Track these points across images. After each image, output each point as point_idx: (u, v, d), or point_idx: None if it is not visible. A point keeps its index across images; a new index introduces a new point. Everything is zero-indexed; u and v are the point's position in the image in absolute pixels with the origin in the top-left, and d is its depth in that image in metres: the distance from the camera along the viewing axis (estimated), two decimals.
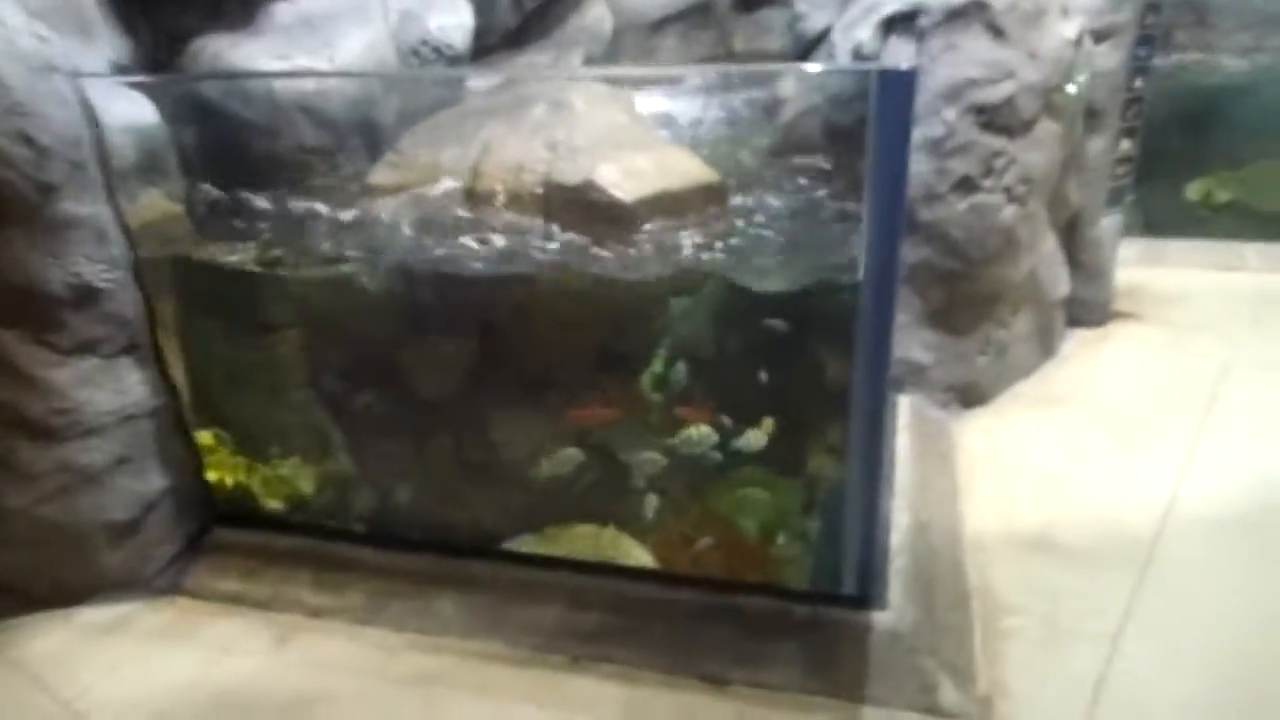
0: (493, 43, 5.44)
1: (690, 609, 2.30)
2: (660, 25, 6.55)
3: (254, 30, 3.63)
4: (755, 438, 2.56)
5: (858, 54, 3.16)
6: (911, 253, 3.17)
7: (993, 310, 3.29)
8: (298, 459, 2.88)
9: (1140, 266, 4.76)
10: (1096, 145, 3.79)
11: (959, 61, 2.99)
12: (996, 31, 2.98)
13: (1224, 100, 6.23)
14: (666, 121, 3.22)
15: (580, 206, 2.65)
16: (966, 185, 3.07)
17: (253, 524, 2.72)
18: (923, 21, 3.00)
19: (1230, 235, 5.30)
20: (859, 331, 2.02)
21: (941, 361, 3.30)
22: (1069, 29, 3.16)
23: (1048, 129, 3.15)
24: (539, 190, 2.72)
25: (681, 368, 2.62)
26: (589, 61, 5.78)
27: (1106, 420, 3.27)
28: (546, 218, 2.66)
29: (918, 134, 3.05)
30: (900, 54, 3.01)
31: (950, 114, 3.02)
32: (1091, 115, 3.73)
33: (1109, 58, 3.64)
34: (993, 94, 3.00)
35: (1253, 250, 4.89)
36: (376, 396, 2.84)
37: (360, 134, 3.62)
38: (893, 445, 2.92)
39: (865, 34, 3.10)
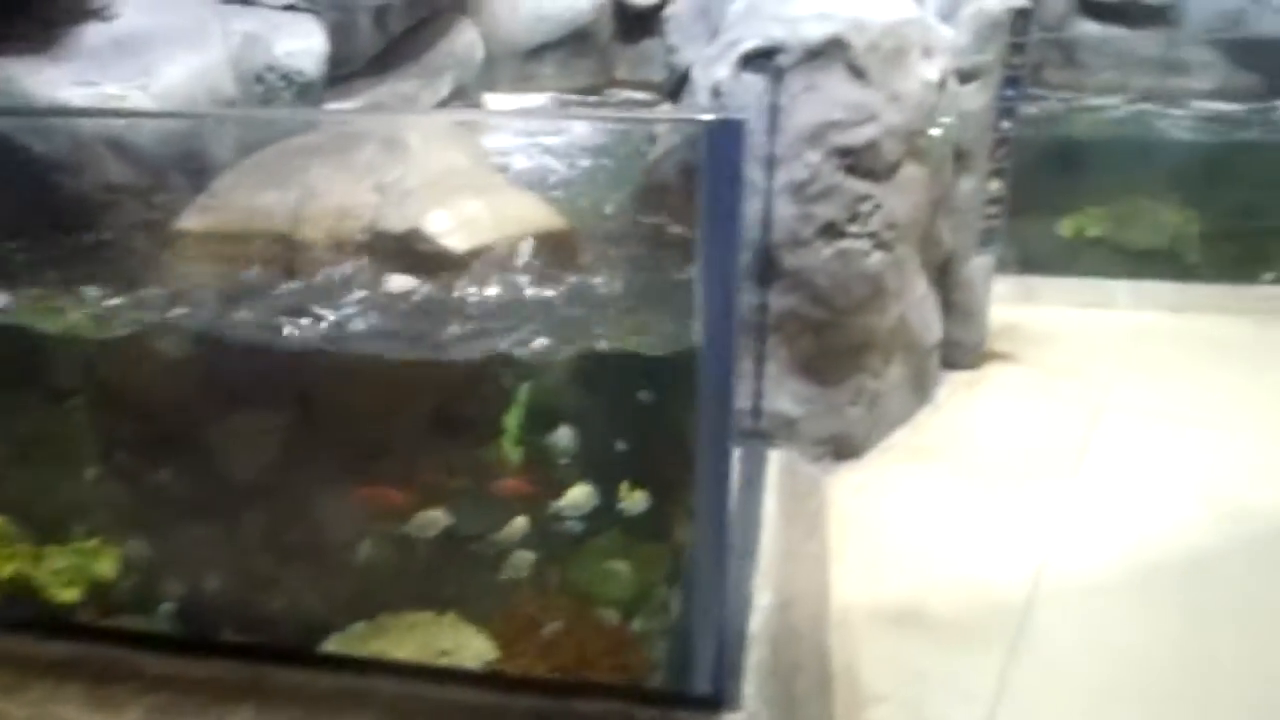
0: (354, 69, 5.13)
1: (523, 717, 2.04)
2: (538, 52, 6.34)
3: (56, 53, 3.24)
4: (633, 501, 2.35)
5: (716, 92, 2.99)
6: (777, 301, 3.01)
7: (863, 359, 3.15)
8: (86, 545, 2.51)
9: (1014, 304, 4.75)
10: (966, 186, 3.73)
11: (820, 102, 2.85)
12: (857, 72, 2.85)
13: (1094, 138, 6.38)
14: (517, 161, 3.00)
15: (407, 258, 2.39)
16: (831, 231, 2.93)
17: (23, 626, 2.34)
18: (781, 60, 2.85)
19: (1101, 270, 5.37)
20: (701, 392, 1.81)
21: (812, 414, 3.14)
22: (931, 71, 3.07)
23: (913, 173, 3.04)
24: (364, 239, 2.44)
25: (548, 433, 2.37)
26: (459, 89, 5.53)
27: (979, 474, 3.16)
28: (369, 272, 2.39)
29: (782, 177, 2.90)
30: (757, 93, 2.85)
31: (813, 156, 2.87)
32: (960, 157, 3.66)
33: (975, 99, 3.58)
34: (855, 136, 2.87)
35: (1122, 288, 4.93)
36: (181, 473, 2.50)
37: (184, 171, 3.26)
38: (759, 509, 2.73)
39: (724, 72, 2.94)
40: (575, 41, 6.44)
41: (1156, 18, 6.59)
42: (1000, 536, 2.81)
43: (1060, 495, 3.01)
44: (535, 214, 2.60)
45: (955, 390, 3.83)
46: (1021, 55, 3.80)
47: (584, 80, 6.37)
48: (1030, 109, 6.75)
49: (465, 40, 5.56)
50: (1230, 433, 3.37)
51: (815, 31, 2.83)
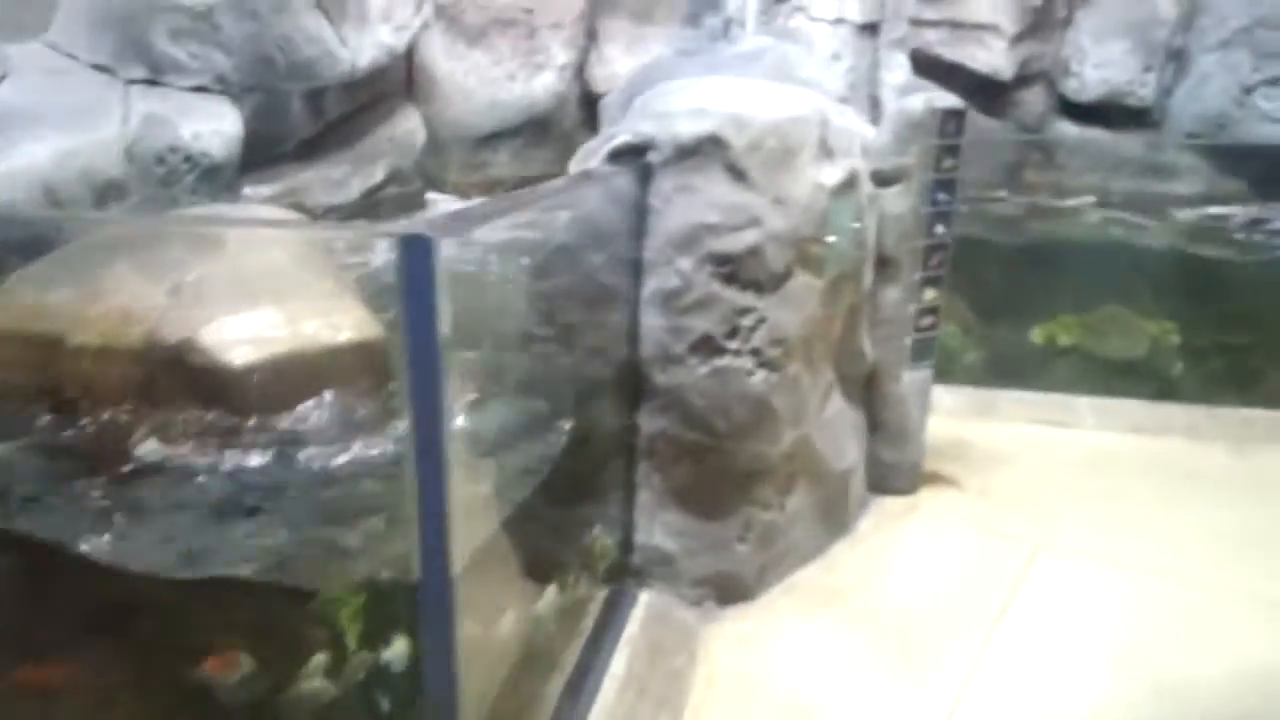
0: (282, 151, 4.96)
1: None
2: (491, 140, 6.17)
3: None
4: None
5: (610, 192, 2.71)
6: (649, 423, 2.66)
7: (752, 489, 2.78)
8: None
9: (968, 419, 4.38)
10: (891, 296, 3.40)
11: (694, 205, 2.56)
12: (737, 173, 2.56)
13: (1071, 242, 6.07)
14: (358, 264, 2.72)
15: (180, 373, 2.08)
16: (707, 346, 2.60)
17: None
18: (652, 157, 2.57)
19: (1072, 382, 5.01)
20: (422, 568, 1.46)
21: (692, 550, 2.76)
22: (829, 173, 2.78)
23: (805, 283, 2.72)
24: (139, 348, 2.14)
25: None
26: (395, 175, 5.34)
27: (884, 628, 2.75)
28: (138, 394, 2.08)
29: (651, 285, 2.59)
30: (624, 193, 2.56)
31: (685, 263, 2.56)
32: (883, 264, 3.35)
33: (897, 203, 3.29)
34: (734, 243, 2.56)
35: (1087, 405, 4.54)
36: None
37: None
38: (601, 673, 2.33)
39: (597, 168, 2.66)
40: (532, 129, 6.28)
41: (1138, 120, 6.34)
42: (897, 709, 2.39)
43: (972, 659, 2.59)
44: (346, 322, 2.29)
45: (881, 521, 3.43)
46: (954, 158, 3.51)
47: (539, 169, 6.17)
48: (1005, 209, 6.54)
49: (405, 126, 5.40)
50: (1178, 583, 2.95)
51: (688, 128, 2.55)
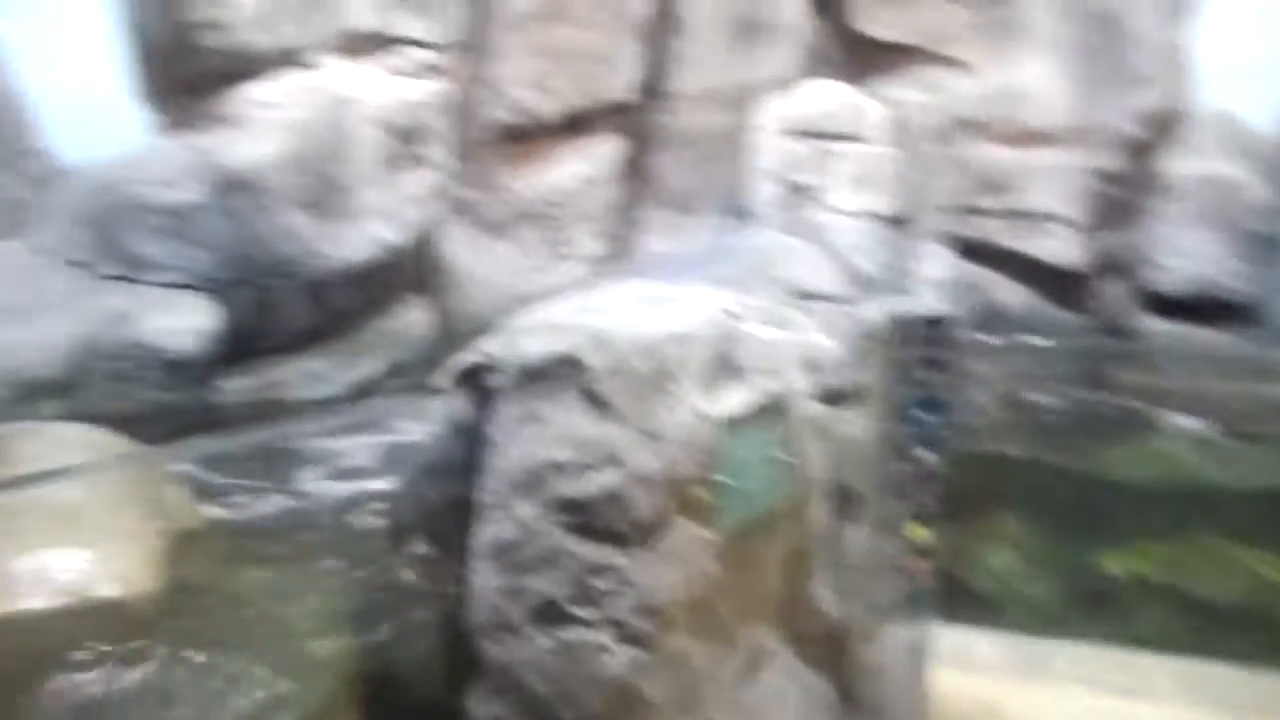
0: (277, 343, 4.88)
1: None
2: None
3: None
4: None
5: (450, 419, 2.33)
6: (480, 709, 2.13)
7: None
8: None
9: (1010, 679, 3.59)
10: (856, 537, 2.80)
11: (540, 438, 2.12)
12: (596, 402, 2.12)
13: (1160, 458, 5.23)
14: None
15: None
16: (550, 614, 2.09)
17: None
18: (493, 382, 2.18)
19: (1146, 627, 4.12)
20: None
21: None
22: (733, 398, 2.30)
23: (688, 535, 2.19)
24: None
25: None
26: (396, 368, 5.16)
27: None
28: None
29: (486, 534, 2.13)
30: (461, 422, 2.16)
31: (525, 510, 2.10)
32: (844, 499, 2.78)
33: (853, 426, 2.75)
34: (586, 485, 2.09)
35: (1166, 670, 3.66)
36: None
37: None
38: None
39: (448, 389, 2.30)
40: None
41: (1233, 315, 5.56)
42: None
43: None
44: (106, 572, 1.93)
45: None
46: (939, 372, 2.98)
47: None
48: (1098, 412, 5.76)
49: (405, 319, 5.27)
50: None
51: (537, 347, 2.16)
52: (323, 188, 4.39)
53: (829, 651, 2.82)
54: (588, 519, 2.10)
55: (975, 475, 5.09)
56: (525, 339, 2.19)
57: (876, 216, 4.80)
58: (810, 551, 2.69)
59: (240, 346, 4.53)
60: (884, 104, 4.98)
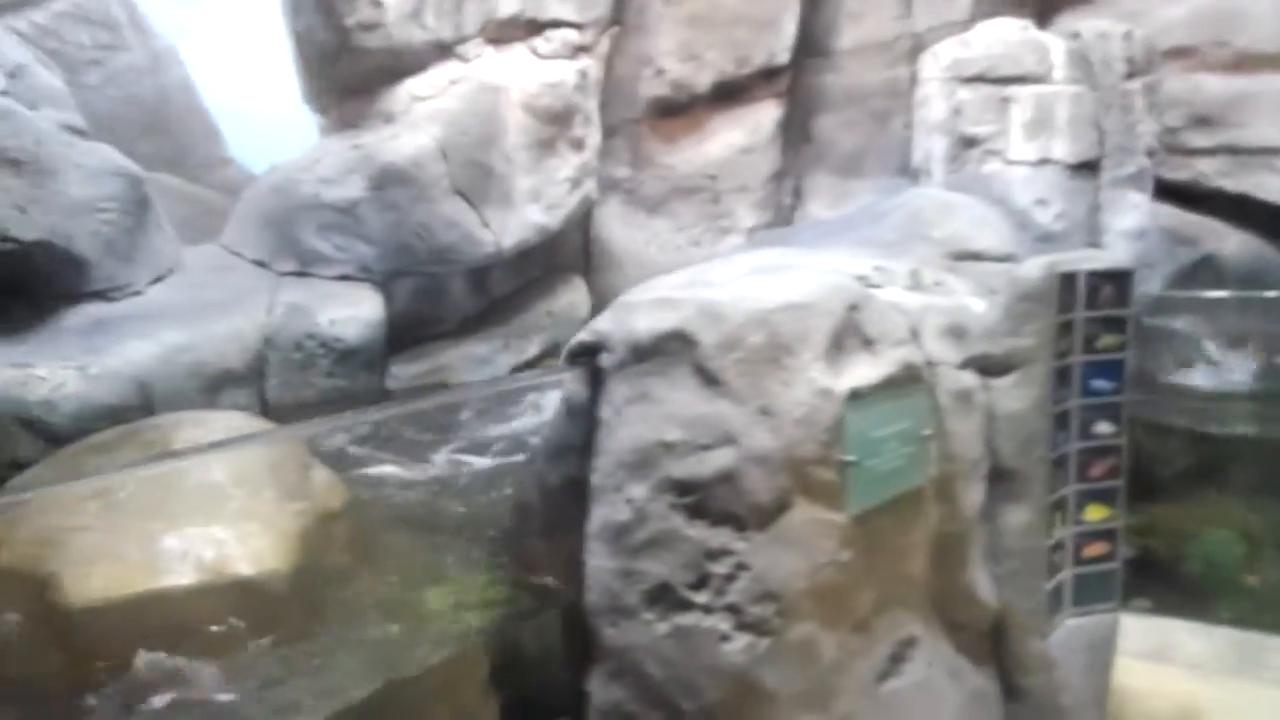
0: (444, 330, 5.07)
1: None
2: None
3: (26, 335, 3.40)
4: None
5: (567, 399, 2.30)
6: (600, 693, 2.10)
7: None
8: None
9: (1220, 678, 3.19)
10: (1016, 519, 2.55)
11: (651, 417, 2.05)
12: (708, 378, 2.02)
13: None
14: None
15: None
16: (666, 598, 2.02)
17: None
18: (604, 360, 2.12)
19: None
20: None
21: None
22: (861, 371, 2.13)
23: (811, 518, 2.05)
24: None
25: None
26: (556, 350, 5.24)
27: None
28: None
29: (598, 516, 2.09)
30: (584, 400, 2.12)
31: (638, 491, 2.04)
32: (1002, 478, 2.53)
33: (1013, 398, 2.49)
34: (700, 466, 2.00)
35: None
36: None
37: None
38: None
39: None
40: None
41: None
42: None
43: None
44: (240, 552, 2.05)
45: None
46: (1117, 334, 2.65)
47: None
48: None
49: (566, 300, 5.32)
50: None
51: (647, 323, 2.08)
52: (477, 176, 4.49)
53: (989, 643, 2.59)
54: (700, 500, 2.01)
55: (1194, 450, 4.55)
56: (635, 315, 2.11)
57: (1059, 164, 4.34)
58: (963, 535, 2.46)
59: (407, 333, 4.73)
60: (1074, 39, 4.48)
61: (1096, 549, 2.72)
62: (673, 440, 2.02)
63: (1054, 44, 4.33)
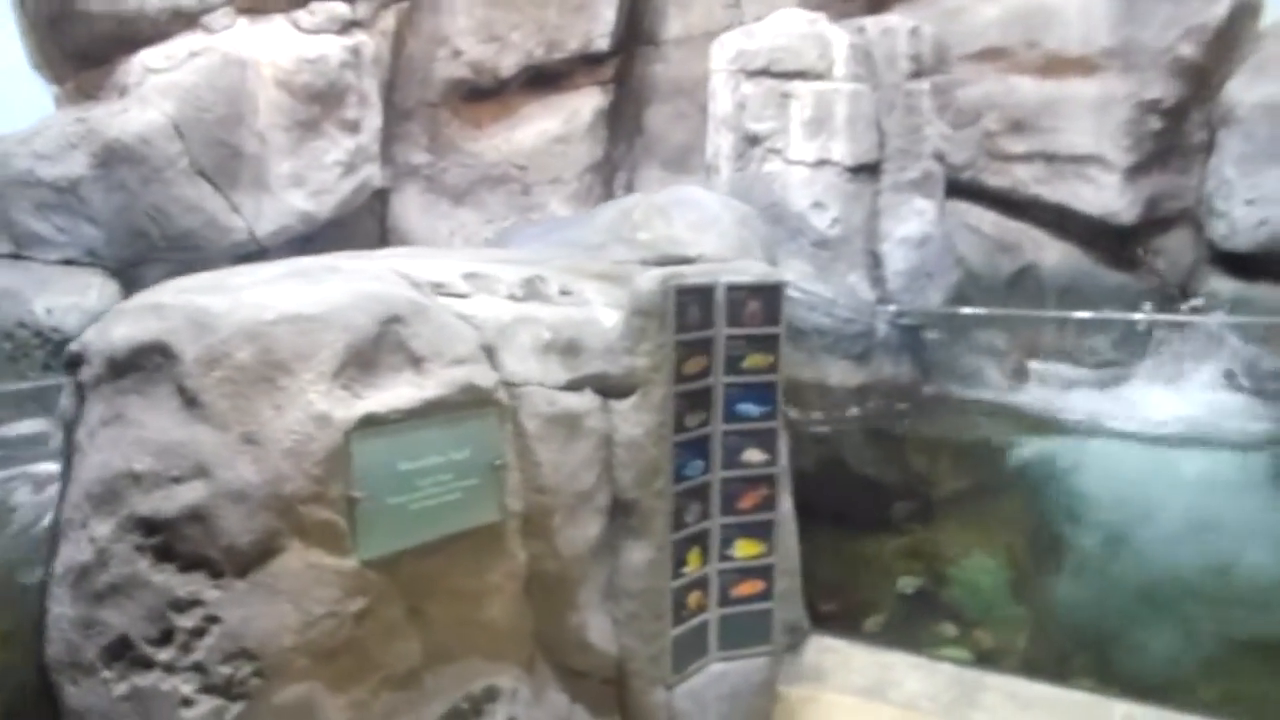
0: None
1: None
2: None
3: None
4: None
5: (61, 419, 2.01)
6: None
7: None
8: None
9: (934, 717, 3.00)
10: (637, 557, 2.31)
11: (122, 443, 1.77)
12: (188, 399, 1.74)
13: None
14: None
15: None
16: (126, 654, 1.74)
17: None
18: (83, 375, 1.83)
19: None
20: None
21: None
22: (398, 393, 1.86)
23: (308, 564, 1.78)
24: None
25: None
26: None
27: None
28: None
29: (64, 557, 1.80)
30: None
31: (102, 529, 1.76)
32: (622, 511, 2.29)
33: (631, 422, 2.25)
34: (167, 502, 1.73)
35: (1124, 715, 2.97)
36: None
37: None
38: None
39: None
40: None
41: None
42: None
43: None
44: None
45: None
46: (766, 353, 2.42)
47: None
48: None
49: None
50: None
51: (124, 333, 1.80)
52: (224, 157, 4.17)
53: (609, 692, 2.36)
54: (168, 542, 1.73)
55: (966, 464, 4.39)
56: (118, 323, 1.82)
57: (838, 165, 4.12)
58: (566, 576, 2.22)
59: None
60: (859, 34, 4.26)
61: (747, 587, 2.50)
62: (141, 470, 1.74)
63: (837, 39, 4.11)
